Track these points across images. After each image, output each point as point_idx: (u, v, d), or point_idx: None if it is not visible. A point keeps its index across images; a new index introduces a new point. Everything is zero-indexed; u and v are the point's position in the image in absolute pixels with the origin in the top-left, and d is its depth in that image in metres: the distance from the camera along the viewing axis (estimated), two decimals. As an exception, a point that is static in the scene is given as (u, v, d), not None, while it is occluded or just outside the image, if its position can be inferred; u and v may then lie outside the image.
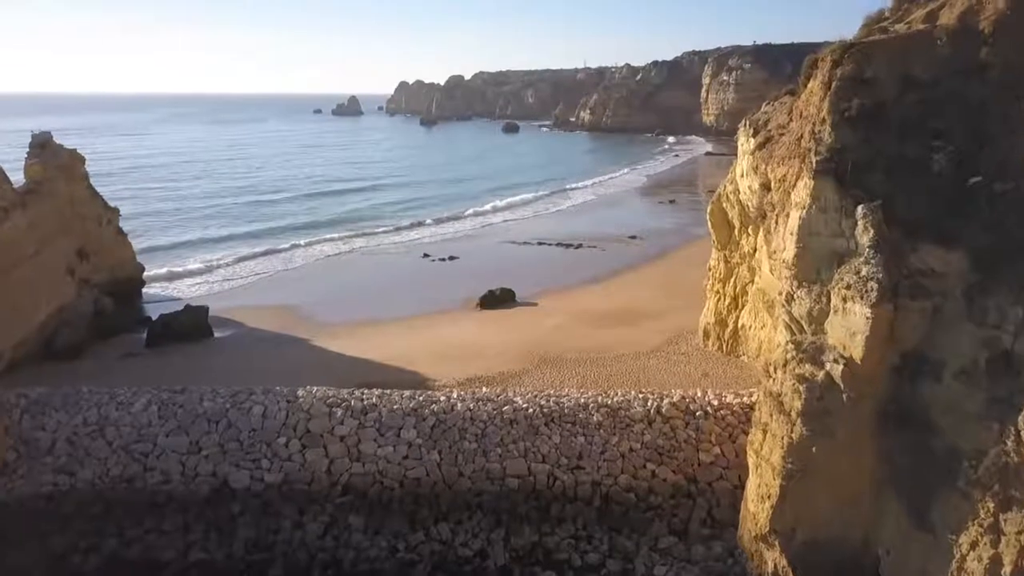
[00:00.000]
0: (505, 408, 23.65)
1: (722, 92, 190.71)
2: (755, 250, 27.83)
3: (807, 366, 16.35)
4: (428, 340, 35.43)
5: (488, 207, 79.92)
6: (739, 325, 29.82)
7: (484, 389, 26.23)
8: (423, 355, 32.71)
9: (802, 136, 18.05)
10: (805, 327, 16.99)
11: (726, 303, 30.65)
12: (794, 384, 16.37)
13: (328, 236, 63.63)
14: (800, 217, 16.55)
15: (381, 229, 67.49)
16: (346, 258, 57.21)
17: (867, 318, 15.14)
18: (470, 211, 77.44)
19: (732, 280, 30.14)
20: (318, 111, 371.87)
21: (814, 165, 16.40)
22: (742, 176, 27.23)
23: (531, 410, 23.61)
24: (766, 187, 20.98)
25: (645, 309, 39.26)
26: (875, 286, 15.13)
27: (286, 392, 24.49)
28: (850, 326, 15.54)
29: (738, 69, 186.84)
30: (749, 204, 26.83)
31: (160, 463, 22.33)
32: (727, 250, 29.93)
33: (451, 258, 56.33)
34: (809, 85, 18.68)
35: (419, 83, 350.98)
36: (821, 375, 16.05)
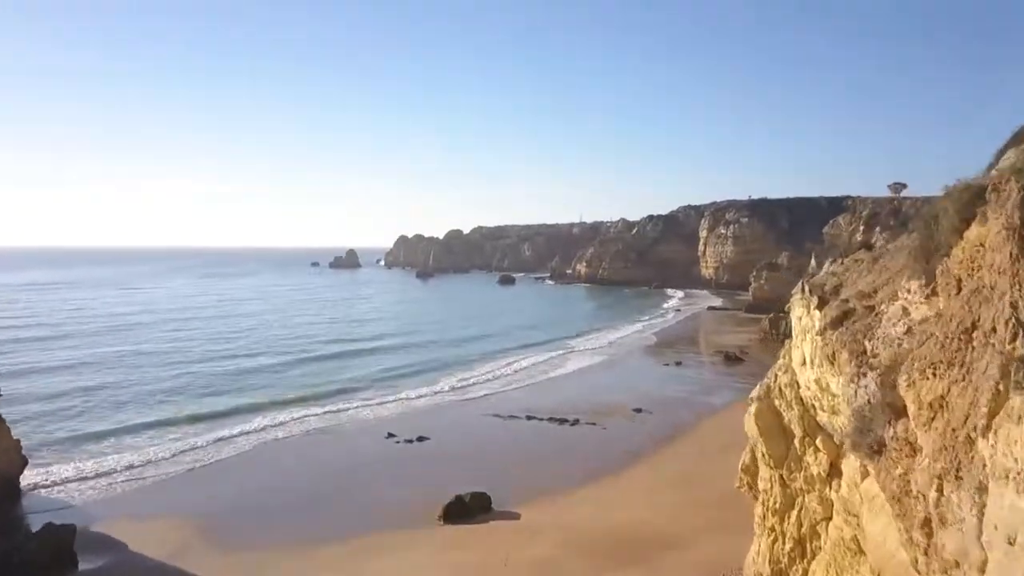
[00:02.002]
0: None
1: (720, 245, 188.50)
2: (829, 474, 18.59)
3: None
4: (360, 586, 25.17)
5: (474, 372, 70.54)
6: (810, 583, 19.83)
7: None
8: (344, 621, 22.41)
9: (976, 325, 9.59)
10: None
11: (786, 547, 20.82)
12: None
13: (282, 417, 52.52)
14: (1032, 512, 7.66)
15: (347, 403, 57.44)
16: (297, 442, 47.11)
17: None
18: (454, 377, 67.97)
19: (795, 513, 20.52)
20: (315, 264, 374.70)
21: (1051, 399, 7.75)
22: (805, 365, 18.52)
23: None
24: (893, 410, 12.32)
25: (662, 531, 29.13)
26: None
27: None
28: None
29: (735, 223, 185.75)
30: (817, 406, 17.98)
31: None
32: (785, 469, 20.56)
33: (420, 439, 46.56)
34: (971, 233, 10.47)
35: (418, 237, 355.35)
36: None
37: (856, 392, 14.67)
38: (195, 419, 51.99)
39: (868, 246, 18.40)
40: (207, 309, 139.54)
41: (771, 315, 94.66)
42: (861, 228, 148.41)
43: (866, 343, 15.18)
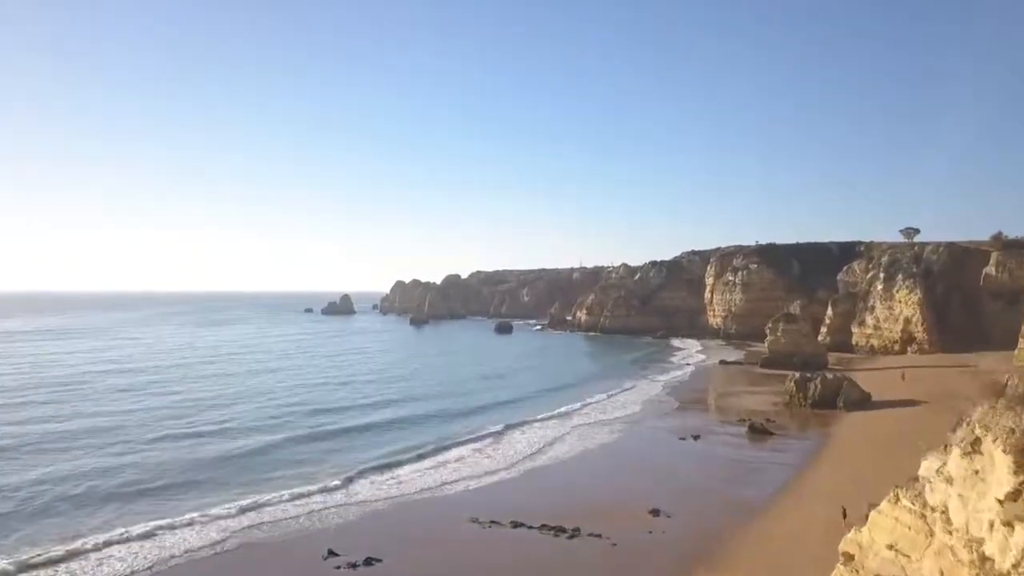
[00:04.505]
0: None
1: (728, 293, 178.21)
2: None
3: None
4: None
5: (452, 456, 57.94)
6: None
7: None
8: None
9: None
10: None
11: None
12: None
13: (199, 531, 40.16)
14: None
15: (290, 504, 45.28)
16: (200, 568, 35.65)
17: None
18: (426, 463, 55.60)
19: None
20: (309, 310, 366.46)
21: None
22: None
23: None
24: None
25: None
26: None
27: None
28: None
29: (743, 269, 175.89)
30: None
31: None
32: None
33: (368, 562, 35.23)
34: None
35: (415, 282, 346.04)
36: None
37: None
38: (94, 547, 37.16)
39: None
40: (183, 368, 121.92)
41: (796, 376, 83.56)
42: (882, 275, 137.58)
43: None
